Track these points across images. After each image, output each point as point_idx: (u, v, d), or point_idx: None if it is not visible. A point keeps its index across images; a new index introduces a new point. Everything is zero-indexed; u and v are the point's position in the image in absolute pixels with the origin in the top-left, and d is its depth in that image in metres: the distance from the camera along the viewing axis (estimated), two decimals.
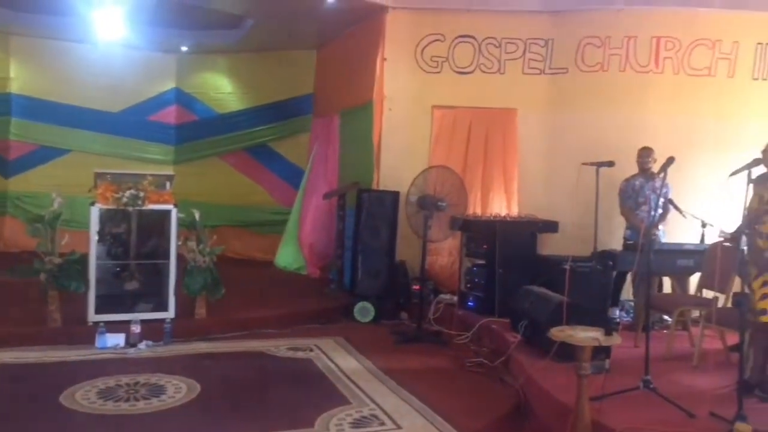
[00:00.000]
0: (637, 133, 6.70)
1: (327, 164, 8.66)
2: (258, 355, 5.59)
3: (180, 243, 5.98)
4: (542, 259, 6.45)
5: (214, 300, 6.13)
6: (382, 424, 4.16)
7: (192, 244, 6.00)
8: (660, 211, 6.11)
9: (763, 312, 4.14)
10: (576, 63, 7.05)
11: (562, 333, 3.50)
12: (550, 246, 6.72)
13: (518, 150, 7.11)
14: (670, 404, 4.06)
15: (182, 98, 10.28)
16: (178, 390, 4.62)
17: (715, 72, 6.99)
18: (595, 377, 4.13)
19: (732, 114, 6.97)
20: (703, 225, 6.28)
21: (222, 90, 10.22)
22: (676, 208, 6.31)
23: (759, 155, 4.25)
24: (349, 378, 5.03)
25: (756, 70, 7.04)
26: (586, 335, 3.42)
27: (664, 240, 6.27)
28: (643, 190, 6.20)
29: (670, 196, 6.28)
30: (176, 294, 5.91)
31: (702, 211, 6.26)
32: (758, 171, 4.05)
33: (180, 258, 6.04)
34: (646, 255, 4.79)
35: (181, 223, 5.96)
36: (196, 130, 10.23)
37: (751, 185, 4.02)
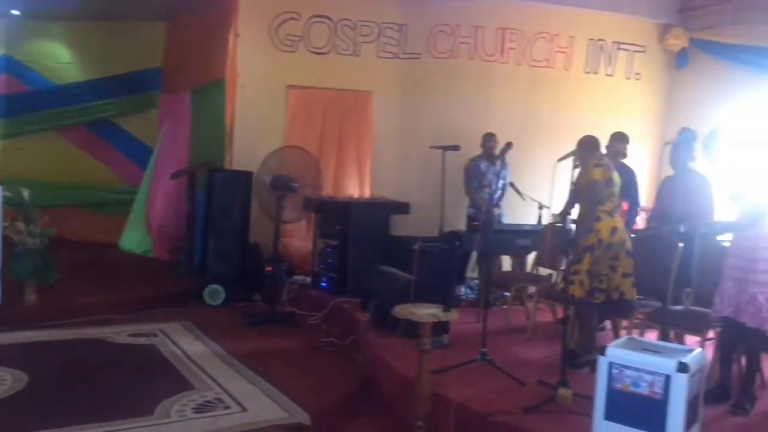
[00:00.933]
0: (483, 119, 7.02)
1: (177, 143, 8.28)
2: (95, 343, 5.27)
3: (6, 224, 5.48)
4: (394, 239, 6.60)
5: (47, 285, 5.70)
6: (227, 407, 4.08)
7: (20, 225, 5.52)
8: (500, 192, 6.47)
9: (572, 283, 4.46)
10: (428, 49, 7.25)
11: (404, 310, 3.61)
12: (402, 227, 6.88)
13: (372, 133, 7.21)
14: (503, 374, 4.33)
15: (12, 66, 9.37)
16: (1, 382, 4.25)
17: (554, 64, 7.49)
18: (438, 352, 4.33)
19: (567, 104, 7.51)
20: (540, 207, 6.71)
21: (60, 59, 9.43)
22: (516, 190, 6.71)
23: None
24: (194, 362, 4.88)
25: (588, 64, 7.62)
26: (426, 312, 3.55)
27: (505, 221, 6.64)
28: (486, 174, 6.53)
29: (510, 180, 6.65)
30: (1, 279, 5.42)
31: (540, 194, 6.68)
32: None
33: (7, 240, 5.54)
34: (486, 235, 5.06)
35: (7, 203, 5.46)
36: (29, 102, 9.37)
37: (577, 169, 4.34)
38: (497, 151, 6.51)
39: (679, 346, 3.19)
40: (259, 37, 7.15)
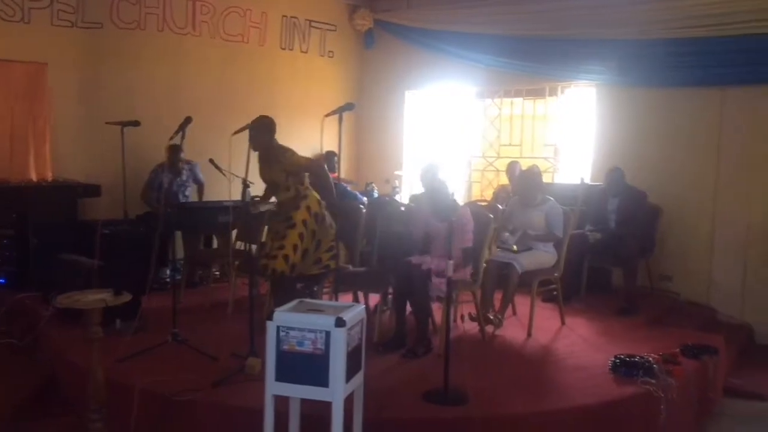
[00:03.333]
0: (176, 94, 6.79)
1: None
2: None
3: None
4: (84, 224, 6.10)
5: None
6: None
7: None
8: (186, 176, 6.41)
9: (274, 258, 4.62)
10: (111, 19, 6.73)
11: (68, 299, 3.35)
12: (97, 210, 6.38)
13: (49, 109, 6.50)
14: (197, 352, 4.29)
15: None
16: None
17: (248, 39, 7.50)
18: (127, 339, 4.15)
19: (264, 79, 7.61)
20: (245, 183, 6.72)
21: None
22: (216, 167, 6.61)
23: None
24: None
25: (283, 40, 7.79)
26: (93, 298, 3.34)
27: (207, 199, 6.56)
28: (171, 188, 6.35)
29: (201, 180, 6.60)
30: None
31: (239, 170, 6.68)
32: None
33: None
34: (182, 215, 4.92)
35: None
36: None
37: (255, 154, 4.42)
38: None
39: (341, 304, 3.44)
40: None
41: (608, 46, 6.69)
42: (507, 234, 5.25)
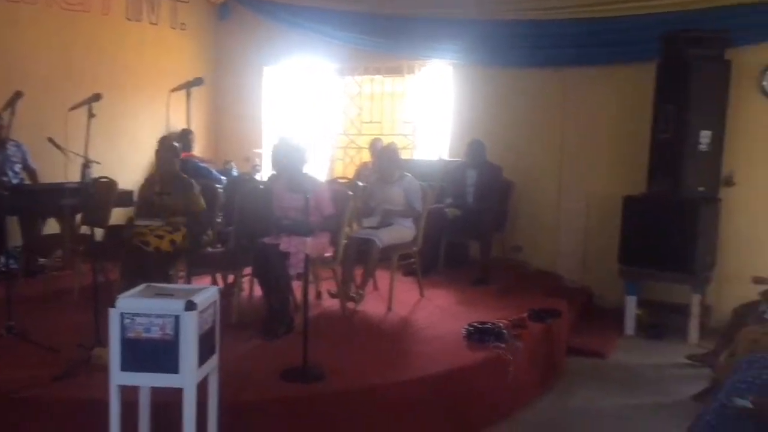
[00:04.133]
0: (7, 65, 6.19)
1: None
2: None
3: None
4: None
5: None
6: None
7: None
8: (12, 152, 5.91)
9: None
10: None
11: None
12: None
13: None
14: (36, 345, 3.97)
15: None
16: None
17: (90, 8, 6.97)
18: None
19: (108, 51, 7.12)
20: (86, 163, 6.27)
21: None
22: (56, 145, 6.12)
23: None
24: None
25: (128, 10, 7.32)
26: None
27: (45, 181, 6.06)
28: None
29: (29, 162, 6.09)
30: None
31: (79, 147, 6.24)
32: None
33: None
34: (18, 198, 4.51)
35: None
36: None
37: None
38: None
39: (193, 287, 3.32)
40: None
41: (459, 25, 6.90)
42: (367, 219, 5.34)
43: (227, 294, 4.88)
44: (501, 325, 4.37)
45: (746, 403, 2.67)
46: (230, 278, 5.18)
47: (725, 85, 5.72)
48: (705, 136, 5.60)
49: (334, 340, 4.35)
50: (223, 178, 7.00)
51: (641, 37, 6.09)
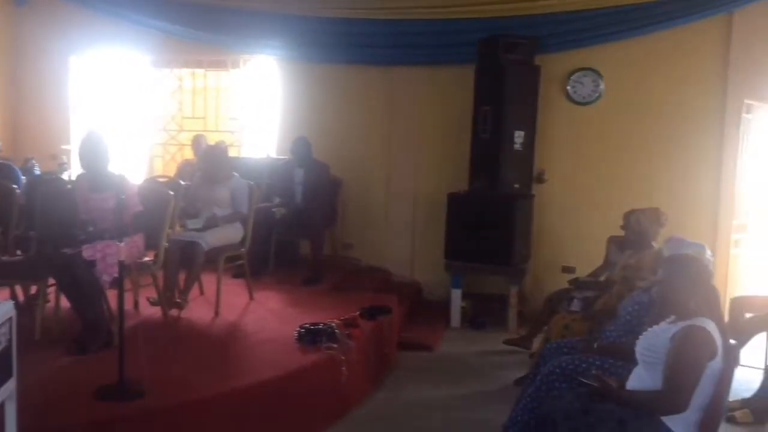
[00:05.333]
0: None
1: None
2: None
3: None
4: None
5: None
6: None
7: None
8: None
9: None
10: None
11: None
12: None
13: None
14: None
15: None
16: None
17: None
18: None
19: None
20: None
21: None
22: None
23: None
24: None
25: None
26: None
27: None
28: None
29: None
30: None
31: None
32: None
33: None
34: None
35: None
36: None
37: None
38: None
39: None
40: None
41: (282, 20, 6.76)
42: (191, 221, 5.03)
43: (29, 307, 4.35)
44: (333, 325, 4.32)
45: (591, 381, 2.82)
46: (33, 289, 4.62)
47: (535, 89, 6.16)
48: (519, 136, 5.98)
49: (155, 351, 4.00)
50: (23, 178, 6.27)
51: (460, 40, 6.38)
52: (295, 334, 4.26)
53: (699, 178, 6.03)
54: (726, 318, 3.78)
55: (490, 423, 3.89)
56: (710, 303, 2.73)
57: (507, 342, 5.30)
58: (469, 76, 6.14)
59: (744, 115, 5.66)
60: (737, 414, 4.01)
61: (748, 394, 4.18)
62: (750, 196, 6.19)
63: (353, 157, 6.89)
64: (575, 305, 4.42)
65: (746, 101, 5.64)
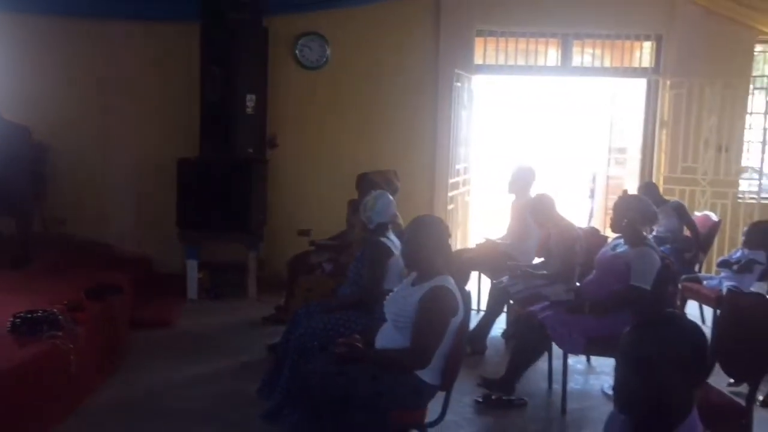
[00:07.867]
0: None
1: None
2: None
3: None
4: None
5: None
6: None
7: None
8: None
9: None
10: None
11: None
12: None
13: None
14: None
15: None
16: None
17: None
18: None
19: None
20: None
21: None
22: None
23: None
24: None
25: None
26: None
27: None
28: None
29: None
30: None
31: None
32: None
33: None
34: None
35: None
36: None
37: None
38: None
39: None
40: None
41: None
42: None
43: None
44: (55, 310, 3.78)
45: (340, 349, 2.84)
46: None
47: (264, 51, 6.04)
48: (250, 100, 5.82)
49: None
50: None
51: None
52: (8, 324, 3.64)
53: (419, 142, 6.50)
54: None
55: (242, 393, 3.79)
56: (448, 260, 2.94)
57: (265, 320, 5.10)
58: (193, 35, 5.78)
59: (455, 83, 6.20)
60: None
61: None
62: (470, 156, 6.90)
63: (61, 120, 6.11)
64: (327, 269, 4.54)
65: (456, 71, 6.18)
